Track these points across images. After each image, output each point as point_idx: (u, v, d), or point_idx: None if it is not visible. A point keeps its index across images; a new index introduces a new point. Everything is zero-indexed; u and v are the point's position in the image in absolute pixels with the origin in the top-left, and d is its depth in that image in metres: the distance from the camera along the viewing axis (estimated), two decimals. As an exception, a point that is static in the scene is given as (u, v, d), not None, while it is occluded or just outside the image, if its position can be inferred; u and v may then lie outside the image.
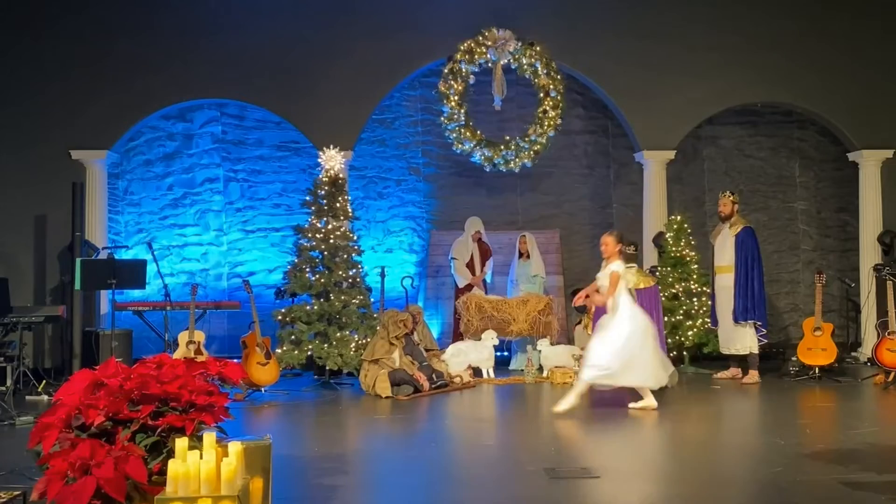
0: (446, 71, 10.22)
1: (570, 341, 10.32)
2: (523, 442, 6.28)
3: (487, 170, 10.56)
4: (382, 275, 10.19)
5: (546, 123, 10.37)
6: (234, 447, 3.54)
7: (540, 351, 9.22)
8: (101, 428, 3.67)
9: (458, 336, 9.92)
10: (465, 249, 10.46)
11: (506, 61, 10.32)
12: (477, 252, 10.47)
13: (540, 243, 10.75)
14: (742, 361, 9.09)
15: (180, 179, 11.17)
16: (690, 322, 9.70)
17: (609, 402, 7.75)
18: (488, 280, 10.60)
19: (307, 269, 8.93)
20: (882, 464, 5.22)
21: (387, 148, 11.45)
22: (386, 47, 10.34)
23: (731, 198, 9.22)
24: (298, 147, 11.12)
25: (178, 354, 8.39)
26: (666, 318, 9.54)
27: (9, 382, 7.99)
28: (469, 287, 10.28)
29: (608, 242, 7.41)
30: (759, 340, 8.92)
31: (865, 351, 10.28)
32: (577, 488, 4.73)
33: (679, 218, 10.08)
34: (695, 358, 9.93)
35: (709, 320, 9.56)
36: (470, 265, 10.41)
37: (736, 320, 8.87)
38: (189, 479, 3.30)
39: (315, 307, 8.83)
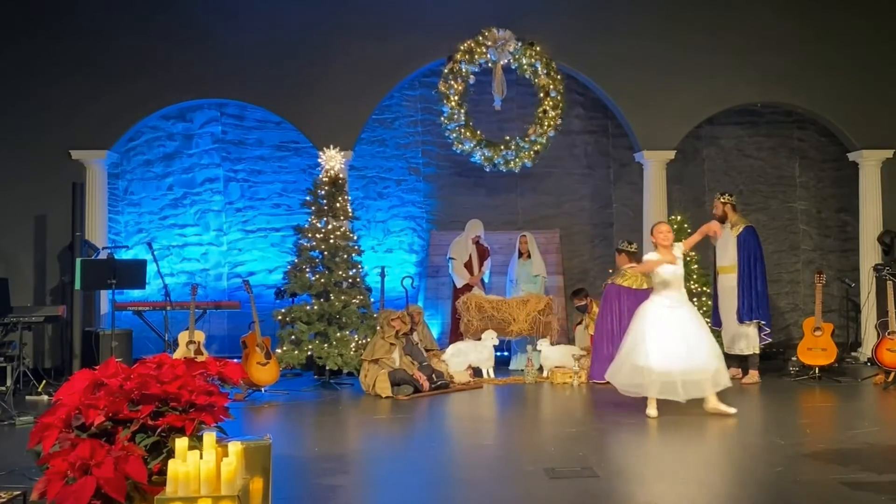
0: (446, 71, 10.23)
1: (570, 341, 10.31)
2: (523, 442, 6.28)
3: (487, 170, 10.56)
4: (382, 275, 10.20)
5: (546, 123, 10.37)
6: (234, 447, 3.54)
7: (540, 351, 9.22)
8: (101, 428, 3.67)
9: (458, 336, 9.92)
10: (464, 250, 10.46)
11: (506, 61, 10.32)
12: (475, 253, 10.47)
13: (540, 243, 10.75)
14: (742, 361, 9.09)
15: (180, 179, 11.17)
16: (690, 322, 9.68)
17: (609, 403, 7.76)
18: (486, 280, 10.60)
19: (307, 269, 8.94)
20: (882, 464, 5.22)
21: (387, 148, 11.45)
22: (386, 47, 10.34)
23: (722, 199, 9.23)
24: (298, 147, 11.12)
25: (178, 354, 8.39)
26: (666, 318, 9.53)
27: (9, 382, 7.99)
28: (468, 287, 10.28)
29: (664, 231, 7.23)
30: (764, 340, 8.92)
31: (865, 351, 10.28)
32: (577, 488, 4.73)
33: (679, 218, 10.08)
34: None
35: (709, 320, 9.56)
36: (468, 265, 10.42)
37: (740, 320, 8.87)
38: (189, 479, 3.30)
39: (315, 307, 8.83)
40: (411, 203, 11.47)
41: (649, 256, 7.21)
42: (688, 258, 9.87)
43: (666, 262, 7.00)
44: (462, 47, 10.19)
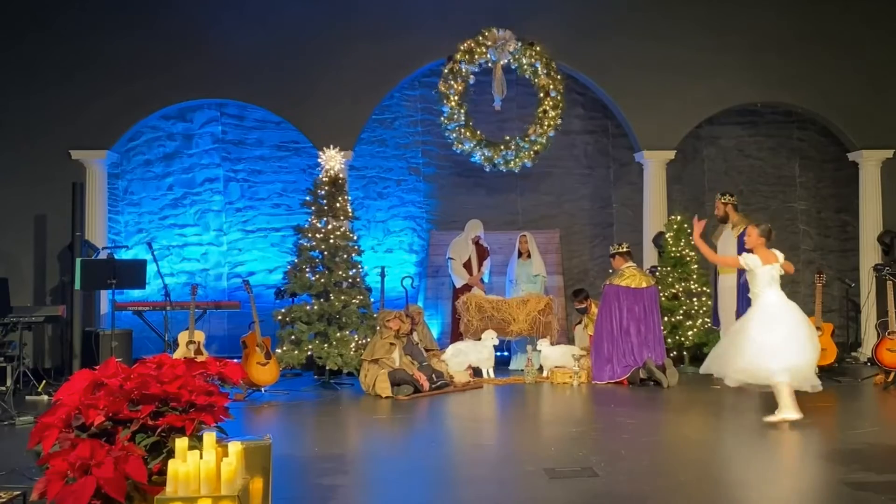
0: (446, 71, 10.22)
1: (570, 341, 10.32)
2: (523, 442, 6.28)
3: (487, 170, 10.56)
4: (382, 275, 10.19)
5: (546, 123, 10.37)
6: (234, 447, 3.54)
7: (540, 351, 9.22)
8: (101, 428, 3.67)
9: (458, 336, 9.91)
10: (464, 250, 10.46)
11: (506, 61, 10.32)
12: (475, 253, 10.48)
13: (540, 243, 10.75)
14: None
15: (180, 179, 11.17)
16: (690, 322, 9.69)
17: (609, 403, 7.76)
18: (486, 280, 10.61)
19: (307, 269, 8.94)
20: (882, 464, 5.22)
21: (387, 148, 11.45)
22: (386, 47, 10.35)
23: (722, 199, 9.26)
24: (298, 147, 11.12)
25: (178, 354, 8.38)
26: (666, 318, 9.55)
27: (9, 382, 7.99)
28: (467, 287, 10.28)
29: (750, 234, 7.21)
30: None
31: (865, 351, 10.29)
32: (577, 488, 4.73)
33: (679, 218, 10.08)
34: (695, 358, 9.92)
35: (709, 320, 9.57)
36: (467, 265, 10.42)
37: (739, 321, 8.87)
38: (189, 479, 3.30)
39: (315, 307, 8.83)
40: (411, 203, 11.46)
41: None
42: (688, 258, 9.91)
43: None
44: (462, 47, 10.18)
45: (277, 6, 10.40)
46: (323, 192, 9.10)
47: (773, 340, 6.44)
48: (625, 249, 9.30)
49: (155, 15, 10.26)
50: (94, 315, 9.91)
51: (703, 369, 7.17)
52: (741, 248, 8.98)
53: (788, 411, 6.35)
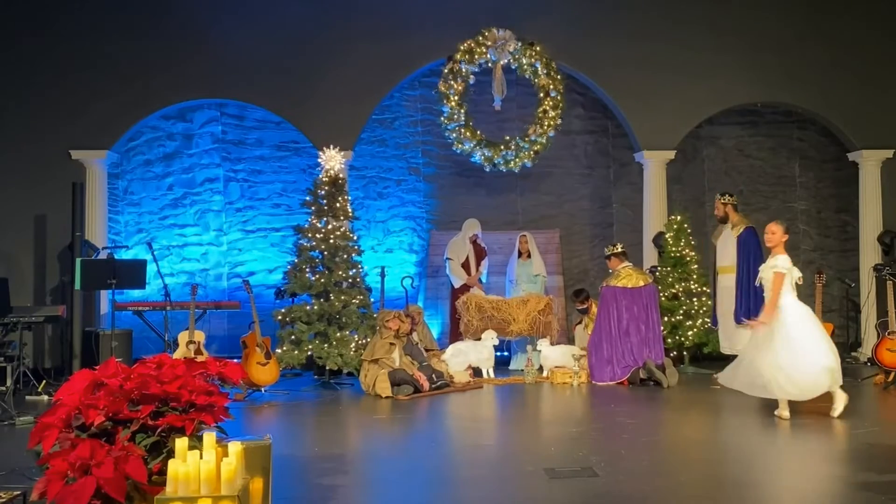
0: (446, 71, 10.22)
1: (570, 341, 10.32)
2: (523, 442, 6.28)
3: (487, 170, 10.56)
4: (382, 275, 10.19)
5: (546, 123, 10.37)
6: (234, 447, 3.54)
7: (540, 351, 9.22)
8: (101, 428, 3.67)
9: (457, 336, 9.91)
10: (461, 250, 10.47)
11: (506, 61, 10.32)
12: (472, 253, 10.48)
13: (540, 243, 10.75)
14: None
15: (180, 179, 11.17)
16: (690, 322, 9.69)
17: (609, 403, 7.76)
18: (484, 280, 10.61)
19: (307, 269, 8.94)
20: (882, 464, 5.22)
21: (387, 148, 11.45)
22: (386, 47, 10.35)
23: (722, 200, 9.26)
24: (298, 147, 11.12)
25: (178, 354, 8.38)
26: (666, 318, 9.55)
27: (9, 382, 7.98)
28: (466, 287, 10.28)
29: (775, 231, 6.79)
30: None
31: (865, 351, 10.29)
32: (577, 488, 4.73)
33: (679, 218, 10.07)
34: (695, 358, 9.93)
35: (709, 320, 9.57)
36: (465, 265, 10.42)
37: (738, 321, 8.87)
38: (189, 479, 3.30)
39: (315, 307, 8.83)
40: (411, 203, 11.46)
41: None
42: (687, 258, 9.90)
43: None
44: (462, 47, 10.18)
45: (277, 6, 10.40)
46: (323, 192, 9.10)
47: (819, 343, 6.57)
48: (619, 250, 9.30)
49: (155, 15, 10.26)
50: (94, 315, 9.91)
51: (725, 381, 7.05)
52: (741, 247, 8.99)
53: (841, 397, 6.70)
